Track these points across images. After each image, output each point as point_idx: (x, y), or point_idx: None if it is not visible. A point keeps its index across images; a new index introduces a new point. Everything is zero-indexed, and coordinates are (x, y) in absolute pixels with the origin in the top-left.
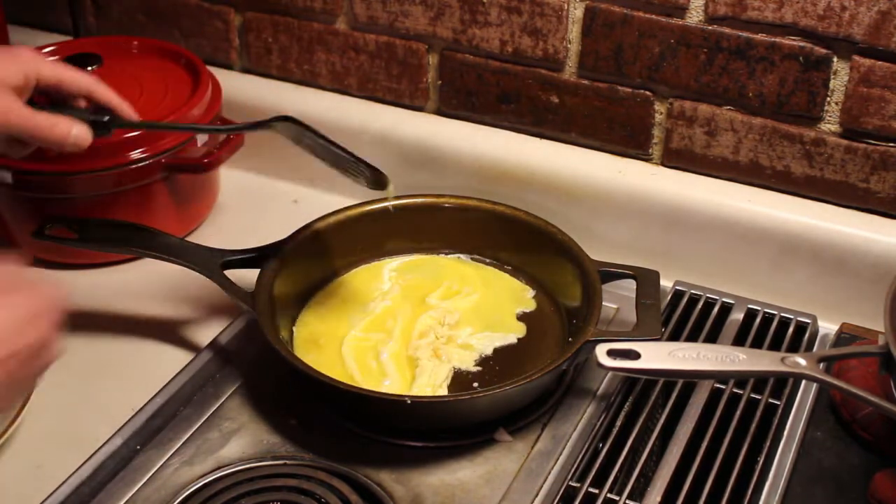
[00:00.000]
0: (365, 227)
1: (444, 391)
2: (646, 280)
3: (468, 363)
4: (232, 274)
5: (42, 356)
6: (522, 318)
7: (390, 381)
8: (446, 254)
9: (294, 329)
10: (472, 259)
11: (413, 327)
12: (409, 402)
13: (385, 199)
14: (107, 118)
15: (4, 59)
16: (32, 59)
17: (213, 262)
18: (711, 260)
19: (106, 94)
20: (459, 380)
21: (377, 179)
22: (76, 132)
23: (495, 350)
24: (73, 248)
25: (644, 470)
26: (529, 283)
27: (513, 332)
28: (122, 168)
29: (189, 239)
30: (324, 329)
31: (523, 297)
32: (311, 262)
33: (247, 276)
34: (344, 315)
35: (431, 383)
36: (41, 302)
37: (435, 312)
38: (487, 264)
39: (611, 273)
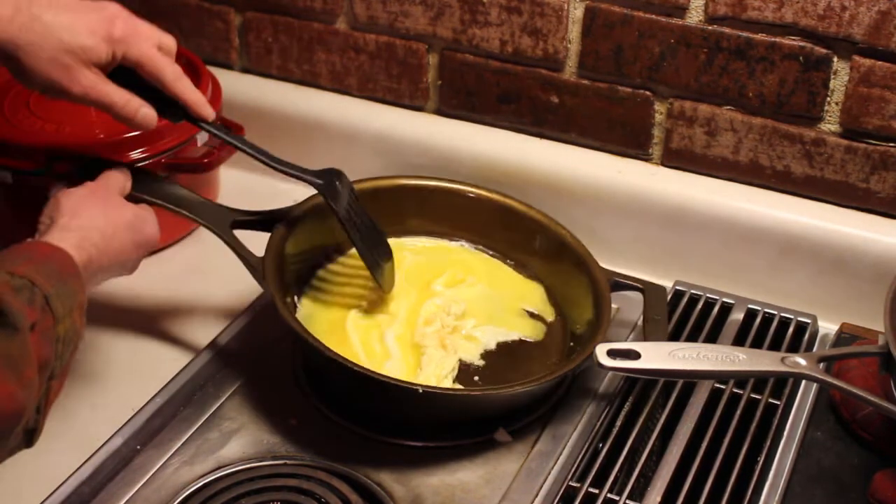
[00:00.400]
0: (379, 202)
1: (449, 383)
2: (653, 295)
3: (474, 356)
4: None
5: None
6: (525, 314)
7: (392, 364)
8: (453, 241)
9: (298, 302)
10: (477, 249)
11: (418, 313)
12: (420, 391)
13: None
14: (176, 112)
15: (96, 29)
16: (123, 35)
17: (224, 220)
18: (711, 260)
19: (178, 90)
20: (463, 372)
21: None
22: (143, 113)
23: (497, 344)
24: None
25: (644, 470)
26: (535, 281)
27: (515, 328)
28: None
29: (189, 239)
30: (326, 305)
31: (528, 293)
32: (322, 232)
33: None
34: (347, 292)
35: (437, 374)
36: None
37: (440, 300)
38: (493, 256)
39: (619, 284)
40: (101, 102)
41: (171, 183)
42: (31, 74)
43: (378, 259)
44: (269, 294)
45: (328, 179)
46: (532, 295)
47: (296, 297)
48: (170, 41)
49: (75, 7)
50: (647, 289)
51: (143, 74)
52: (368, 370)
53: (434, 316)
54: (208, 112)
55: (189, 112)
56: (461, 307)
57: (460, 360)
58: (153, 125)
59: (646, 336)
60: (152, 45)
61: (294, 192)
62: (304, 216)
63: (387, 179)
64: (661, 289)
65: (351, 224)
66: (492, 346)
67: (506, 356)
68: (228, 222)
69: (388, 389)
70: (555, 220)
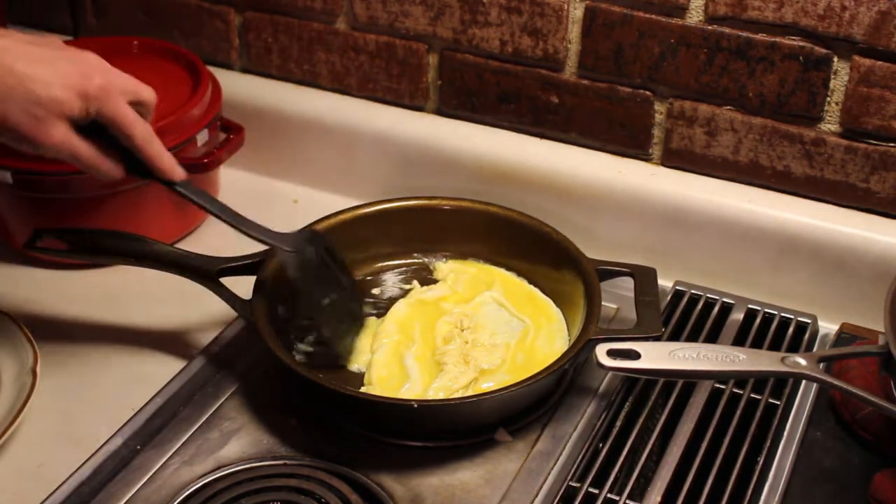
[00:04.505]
0: (360, 230)
1: (459, 395)
2: (644, 277)
3: (496, 362)
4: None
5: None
6: (532, 312)
7: (409, 386)
8: (440, 257)
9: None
10: (468, 261)
11: (433, 332)
12: (415, 405)
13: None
14: (145, 170)
15: (71, 83)
16: (98, 91)
17: (209, 271)
18: (711, 260)
19: (147, 154)
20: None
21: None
22: (105, 172)
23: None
24: (65, 259)
25: (644, 470)
26: (525, 280)
27: (521, 330)
28: None
29: (189, 239)
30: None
31: (526, 293)
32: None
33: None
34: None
35: (448, 386)
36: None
37: (450, 317)
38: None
39: (608, 271)
40: (69, 157)
41: (152, 241)
42: (0, 125)
43: (342, 331)
44: (260, 334)
45: (298, 246)
46: (532, 294)
47: (292, 336)
48: (148, 95)
49: (50, 59)
50: (636, 272)
51: (114, 133)
52: (359, 392)
53: (450, 334)
54: (178, 174)
55: (157, 175)
56: (472, 321)
57: (483, 369)
58: (118, 179)
59: (639, 319)
60: (127, 102)
61: (294, 192)
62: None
63: (349, 212)
64: (651, 270)
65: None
66: (510, 350)
67: (521, 357)
68: (214, 272)
69: (383, 408)
70: (535, 217)
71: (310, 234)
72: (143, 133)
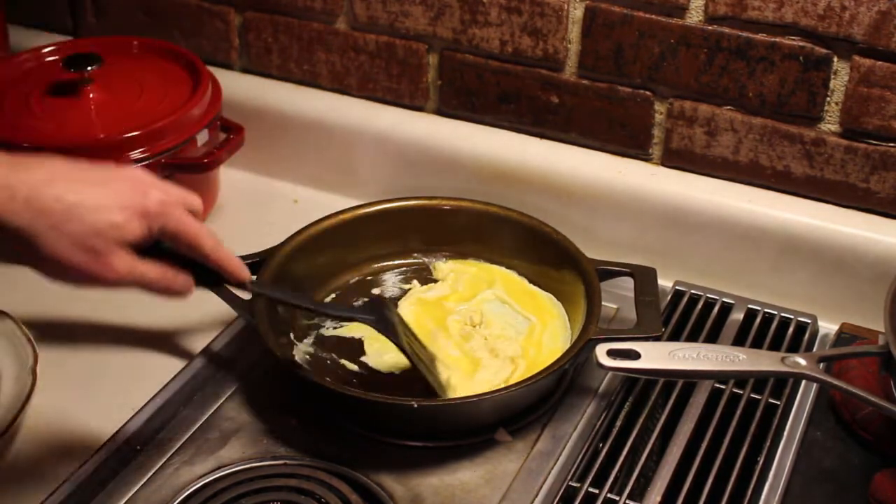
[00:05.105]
0: (360, 230)
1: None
2: (644, 277)
3: (519, 351)
4: None
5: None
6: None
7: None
8: (445, 257)
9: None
10: (467, 261)
11: (447, 330)
12: (415, 405)
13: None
14: (210, 275)
15: (127, 203)
16: (158, 207)
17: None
18: (711, 260)
19: (218, 259)
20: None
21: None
22: (180, 285)
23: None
24: None
25: (644, 470)
26: (526, 279)
27: (528, 327)
28: None
29: None
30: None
31: (527, 291)
32: (309, 267)
33: None
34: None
35: (487, 380)
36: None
37: (458, 315)
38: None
39: (608, 271)
40: (137, 285)
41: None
42: (52, 263)
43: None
44: (261, 335)
45: (379, 314)
46: (533, 293)
47: (292, 335)
48: (196, 202)
49: (99, 181)
50: (636, 272)
51: (179, 246)
52: (360, 393)
53: (465, 330)
54: (247, 274)
55: (228, 279)
56: (479, 317)
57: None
58: (191, 293)
59: (639, 319)
60: (186, 212)
61: (294, 192)
62: (289, 255)
63: (349, 212)
64: (651, 270)
65: (409, 348)
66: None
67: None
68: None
69: (384, 409)
70: (535, 217)
71: (381, 303)
72: (212, 241)
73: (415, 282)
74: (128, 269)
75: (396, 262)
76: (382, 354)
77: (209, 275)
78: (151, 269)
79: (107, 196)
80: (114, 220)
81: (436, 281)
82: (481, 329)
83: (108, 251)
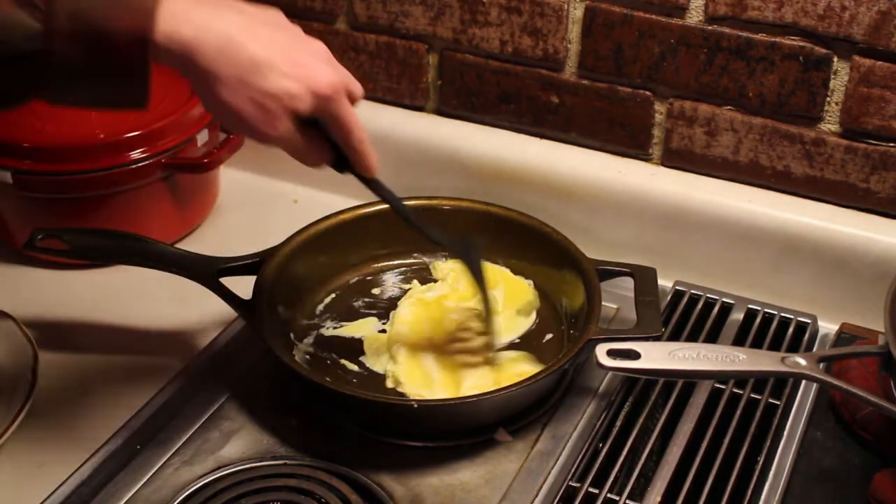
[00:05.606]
0: (360, 230)
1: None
2: (644, 277)
3: (513, 354)
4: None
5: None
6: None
7: (437, 385)
8: (445, 257)
9: (300, 340)
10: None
11: (444, 331)
12: (415, 405)
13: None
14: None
15: (303, 76)
16: (330, 91)
17: (208, 271)
18: (711, 260)
19: (363, 151)
20: None
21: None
22: (313, 161)
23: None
24: (65, 259)
25: (644, 470)
26: (527, 280)
27: (523, 328)
28: (122, 168)
29: (189, 239)
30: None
31: (525, 291)
32: (308, 266)
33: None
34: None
35: (477, 385)
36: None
37: (457, 315)
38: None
39: (608, 271)
40: (284, 147)
41: (151, 241)
42: (223, 106)
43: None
44: (261, 335)
45: (463, 248)
46: (530, 292)
47: (292, 335)
48: (360, 90)
49: (284, 45)
50: (635, 272)
51: (331, 129)
52: (360, 392)
53: (461, 330)
54: (377, 172)
55: (360, 171)
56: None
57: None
58: (319, 168)
59: (639, 319)
60: (347, 100)
61: (294, 193)
62: (289, 255)
63: (349, 212)
64: (651, 270)
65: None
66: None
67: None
68: (214, 272)
69: (384, 409)
70: (535, 217)
71: (467, 240)
72: (361, 134)
73: (415, 282)
74: (285, 133)
75: (396, 262)
76: (381, 355)
77: (341, 157)
78: (301, 140)
79: (288, 63)
80: (291, 90)
81: (436, 281)
82: (479, 328)
83: (277, 114)
